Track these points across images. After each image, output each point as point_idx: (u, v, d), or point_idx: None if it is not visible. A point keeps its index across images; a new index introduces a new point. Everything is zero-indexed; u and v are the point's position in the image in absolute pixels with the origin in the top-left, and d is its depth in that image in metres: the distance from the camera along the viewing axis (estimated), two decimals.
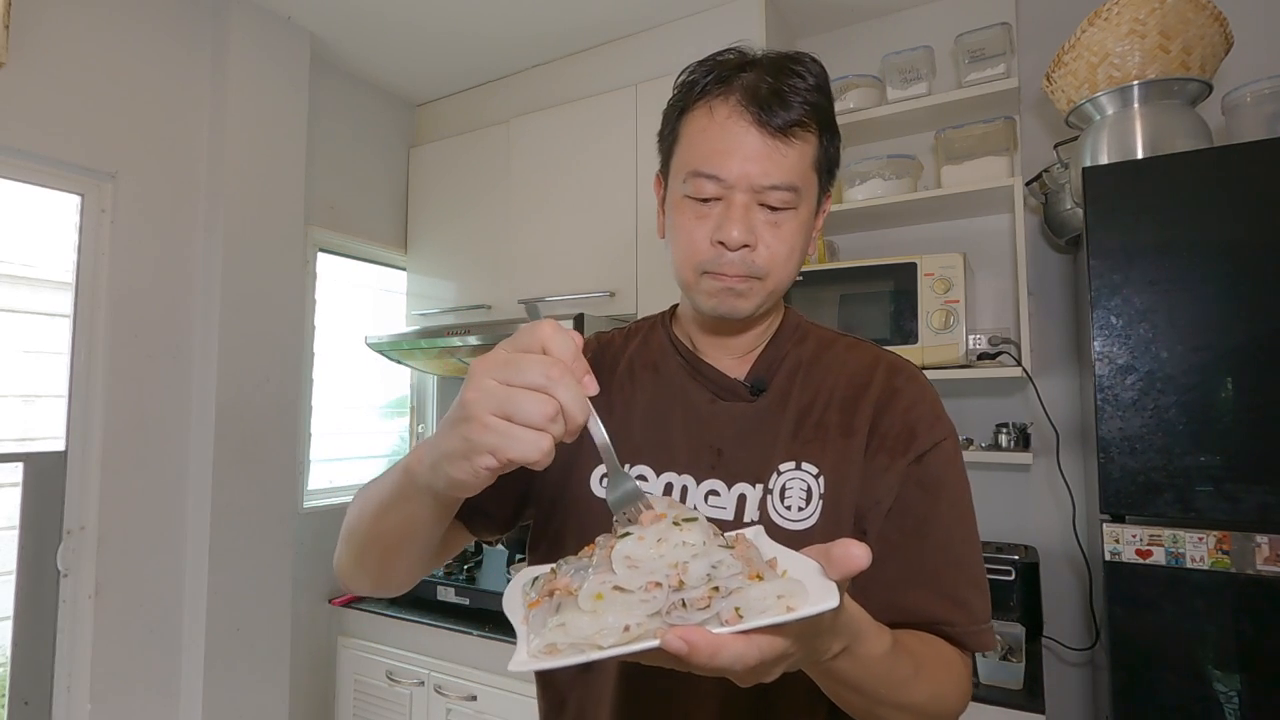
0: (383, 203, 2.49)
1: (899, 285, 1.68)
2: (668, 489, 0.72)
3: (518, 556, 2.04)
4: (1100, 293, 1.21)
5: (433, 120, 2.59)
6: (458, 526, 0.75)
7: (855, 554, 0.42)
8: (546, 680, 0.80)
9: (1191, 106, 1.39)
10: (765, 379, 0.75)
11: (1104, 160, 1.38)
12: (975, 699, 1.40)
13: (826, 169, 0.72)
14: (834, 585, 0.43)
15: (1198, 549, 1.13)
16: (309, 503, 2.23)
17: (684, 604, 0.42)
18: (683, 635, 0.39)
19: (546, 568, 0.51)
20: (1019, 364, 1.62)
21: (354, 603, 2.17)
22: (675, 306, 0.84)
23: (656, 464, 0.73)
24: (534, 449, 0.45)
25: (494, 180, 2.29)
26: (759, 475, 0.70)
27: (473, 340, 2.05)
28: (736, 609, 0.41)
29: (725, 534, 0.49)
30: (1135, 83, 1.37)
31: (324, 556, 2.20)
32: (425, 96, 2.57)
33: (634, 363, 0.80)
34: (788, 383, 0.74)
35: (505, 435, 0.45)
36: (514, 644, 0.45)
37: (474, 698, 1.87)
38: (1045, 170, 1.71)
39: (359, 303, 2.52)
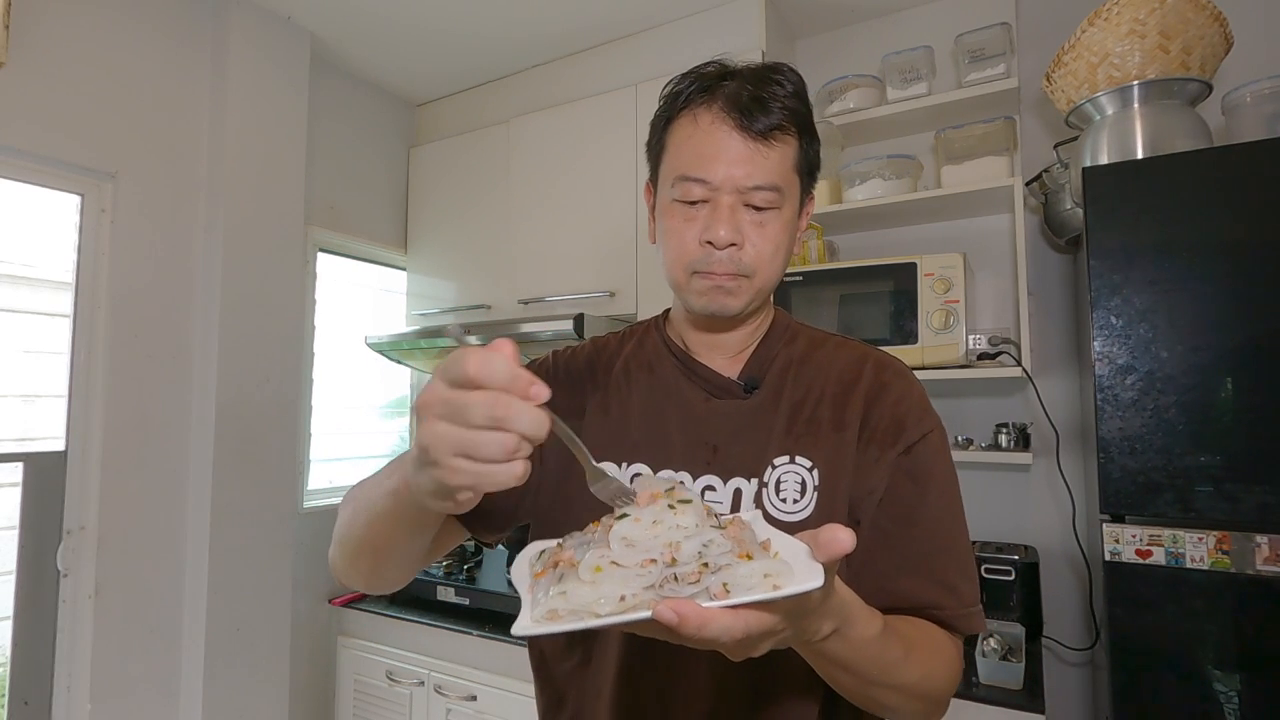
0: (383, 203, 2.49)
1: (899, 285, 1.68)
2: None
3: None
4: (1100, 293, 1.21)
5: (433, 120, 2.59)
6: (454, 524, 0.76)
7: (840, 538, 0.44)
8: (545, 676, 0.80)
9: (1191, 106, 1.39)
10: (758, 377, 0.77)
11: (1104, 160, 1.38)
12: (975, 699, 1.40)
13: (807, 171, 0.75)
14: (820, 567, 0.45)
15: (1198, 549, 1.13)
16: (309, 503, 2.22)
17: (676, 578, 0.45)
18: (674, 607, 0.41)
19: (553, 542, 0.54)
20: (1019, 364, 1.62)
21: (354, 603, 2.17)
22: (668, 310, 0.86)
23: (654, 461, 0.75)
24: (508, 477, 0.45)
25: (494, 180, 2.29)
26: (754, 470, 0.72)
27: (473, 340, 2.05)
28: (725, 585, 0.44)
29: (720, 516, 0.51)
30: (1135, 83, 1.37)
31: (324, 556, 2.19)
32: (425, 96, 2.57)
33: (629, 364, 0.82)
34: (780, 380, 0.77)
35: (476, 474, 0.45)
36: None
37: (474, 698, 1.87)
38: (1045, 170, 1.71)
39: (359, 303, 2.52)
